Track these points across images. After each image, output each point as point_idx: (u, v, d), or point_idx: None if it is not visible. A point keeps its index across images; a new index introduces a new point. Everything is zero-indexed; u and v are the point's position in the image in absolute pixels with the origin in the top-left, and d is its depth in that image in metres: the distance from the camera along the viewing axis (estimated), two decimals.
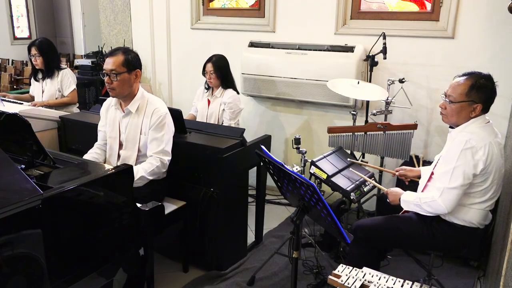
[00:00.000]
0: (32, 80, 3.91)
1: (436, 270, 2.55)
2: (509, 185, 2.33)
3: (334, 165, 2.64)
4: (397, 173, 2.49)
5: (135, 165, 2.46)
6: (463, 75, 2.10)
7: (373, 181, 2.59)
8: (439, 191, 2.03)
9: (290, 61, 3.64)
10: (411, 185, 2.49)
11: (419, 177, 2.42)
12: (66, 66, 3.90)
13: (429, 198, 2.06)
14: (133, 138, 2.54)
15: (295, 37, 3.77)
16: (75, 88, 3.84)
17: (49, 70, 3.76)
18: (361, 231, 2.22)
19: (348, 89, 3.08)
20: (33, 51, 3.69)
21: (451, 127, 2.19)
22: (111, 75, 2.42)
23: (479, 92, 2.03)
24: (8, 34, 9.78)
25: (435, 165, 2.22)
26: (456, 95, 2.06)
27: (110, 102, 2.66)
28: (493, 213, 2.24)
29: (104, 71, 2.45)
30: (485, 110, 2.08)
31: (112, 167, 2.09)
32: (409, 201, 2.14)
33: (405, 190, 2.25)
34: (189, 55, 4.45)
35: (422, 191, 2.24)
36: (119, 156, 2.60)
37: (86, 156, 2.62)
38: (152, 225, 2.27)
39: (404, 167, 2.53)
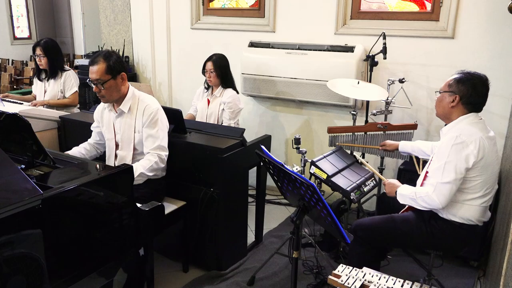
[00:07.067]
0: (35, 79, 3.91)
1: (436, 270, 2.54)
2: (509, 185, 2.33)
3: (334, 165, 2.64)
4: (380, 148, 2.85)
5: (132, 163, 2.46)
6: (460, 71, 2.18)
7: (375, 171, 2.68)
8: (432, 187, 2.07)
9: (290, 61, 3.63)
10: (410, 180, 2.49)
11: (396, 148, 2.73)
12: (70, 68, 3.90)
13: (423, 193, 2.09)
14: (128, 138, 2.55)
15: (295, 37, 3.77)
16: (77, 91, 3.84)
17: (53, 70, 3.76)
18: (361, 230, 2.23)
19: (348, 89, 3.08)
20: (38, 51, 3.69)
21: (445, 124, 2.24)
22: (97, 84, 2.41)
23: (459, 84, 2.11)
24: (8, 34, 9.77)
25: (429, 164, 2.24)
26: (442, 86, 2.19)
27: (103, 105, 2.66)
28: (493, 212, 2.24)
29: (90, 80, 2.43)
30: (468, 105, 2.11)
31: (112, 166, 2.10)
32: (405, 194, 2.18)
33: (403, 183, 2.27)
34: (189, 55, 4.45)
35: None
36: (116, 156, 2.61)
37: (70, 152, 2.62)
38: (152, 225, 2.27)
39: (387, 141, 2.83)
